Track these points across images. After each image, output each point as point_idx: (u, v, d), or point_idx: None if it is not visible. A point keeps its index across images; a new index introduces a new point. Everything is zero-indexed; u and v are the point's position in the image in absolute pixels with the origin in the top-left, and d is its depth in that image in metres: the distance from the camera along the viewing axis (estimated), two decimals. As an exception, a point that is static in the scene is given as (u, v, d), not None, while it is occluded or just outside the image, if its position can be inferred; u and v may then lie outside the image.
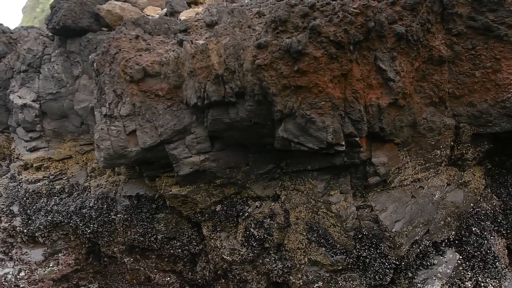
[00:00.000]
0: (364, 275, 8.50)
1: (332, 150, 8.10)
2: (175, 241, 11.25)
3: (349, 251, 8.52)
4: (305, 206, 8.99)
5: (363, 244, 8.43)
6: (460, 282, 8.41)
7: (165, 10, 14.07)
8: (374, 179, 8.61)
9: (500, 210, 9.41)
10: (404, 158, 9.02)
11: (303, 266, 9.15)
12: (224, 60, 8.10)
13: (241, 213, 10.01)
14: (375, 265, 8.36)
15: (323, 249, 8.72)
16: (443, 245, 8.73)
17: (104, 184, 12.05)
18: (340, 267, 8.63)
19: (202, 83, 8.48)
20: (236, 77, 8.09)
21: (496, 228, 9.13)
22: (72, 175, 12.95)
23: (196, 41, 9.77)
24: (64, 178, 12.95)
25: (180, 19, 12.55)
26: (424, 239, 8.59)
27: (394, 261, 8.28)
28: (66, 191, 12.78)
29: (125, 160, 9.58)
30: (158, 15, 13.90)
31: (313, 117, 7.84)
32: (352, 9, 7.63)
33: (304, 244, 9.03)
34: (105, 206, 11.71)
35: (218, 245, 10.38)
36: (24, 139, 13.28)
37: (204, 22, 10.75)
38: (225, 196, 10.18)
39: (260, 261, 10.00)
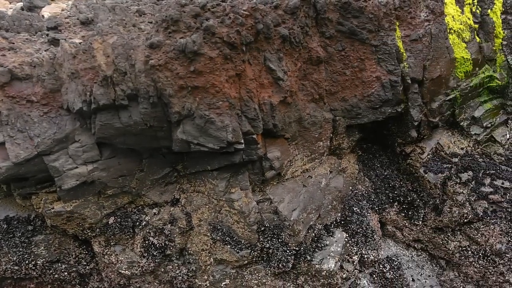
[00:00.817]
0: (268, 265, 8.91)
1: (232, 149, 8.26)
2: (60, 264, 10.01)
3: (253, 244, 8.82)
4: (207, 206, 8.98)
5: (265, 236, 8.82)
6: (348, 257, 9.48)
7: (20, 4, 12.31)
8: (270, 173, 9.07)
9: (372, 190, 10.89)
10: (294, 151, 9.72)
11: (208, 267, 9.13)
12: (112, 61, 7.52)
13: (137, 223, 9.46)
14: (278, 254, 8.84)
15: (228, 246, 8.85)
16: (332, 226, 9.71)
17: (-42, 210, 9.98)
18: (246, 261, 8.88)
19: (87, 85, 7.73)
20: (127, 78, 7.60)
21: (370, 206, 10.53)
22: None
23: (72, 40, 8.87)
24: None
25: (43, 15, 11.16)
26: (317, 223, 9.41)
27: (294, 248, 8.89)
28: None
29: (-8, 179, 8.14)
30: (12, 10, 12.10)
31: (212, 117, 7.88)
32: (242, 11, 7.88)
33: (209, 244, 9.02)
34: (-39, 237, 9.73)
35: (114, 260, 9.62)
36: None
37: (78, 19, 9.78)
38: (118, 207, 9.47)
39: (162, 269, 9.62)
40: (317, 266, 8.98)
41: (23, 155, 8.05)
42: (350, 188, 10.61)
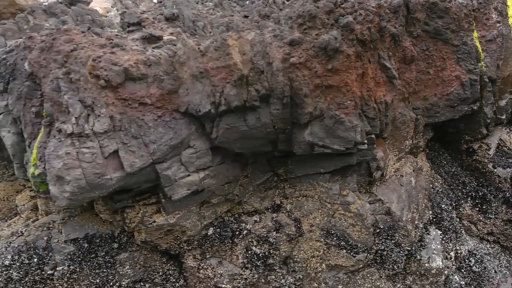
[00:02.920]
0: (382, 268, 8.75)
1: (355, 150, 8.03)
2: (143, 283, 9.10)
3: (369, 247, 8.62)
4: (320, 211, 8.63)
5: (380, 238, 8.66)
6: (447, 254, 9.59)
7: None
8: (378, 173, 8.94)
9: (447, 187, 11.13)
10: (388, 151, 9.67)
11: (319, 274, 8.77)
12: (250, 59, 6.98)
13: (237, 232, 8.87)
14: (392, 255, 8.72)
15: (344, 251, 8.57)
16: (428, 224, 9.78)
17: (25, 230, 8.70)
18: (361, 265, 8.66)
19: (218, 86, 7.10)
20: (263, 77, 7.10)
21: (449, 202, 10.76)
22: (-45, 227, 8.88)
23: (169, 37, 8.17)
24: None
25: (92, 9, 10.15)
26: (419, 222, 9.42)
27: (407, 248, 8.81)
28: (-51, 252, 8.68)
29: (100, 192, 7.19)
30: (47, 3, 10.86)
31: (342, 117, 7.61)
32: (371, 8, 7.70)
33: (322, 250, 8.67)
34: (34, 261, 8.49)
35: (210, 274, 8.93)
36: None
37: (162, 15, 8.99)
38: (216, 217, 8.83)
39: (263, 280, 9.10)
40: (426, 264, 8.99)
41: (138, 164, 7.21)
42: (430, 185, 10.76)
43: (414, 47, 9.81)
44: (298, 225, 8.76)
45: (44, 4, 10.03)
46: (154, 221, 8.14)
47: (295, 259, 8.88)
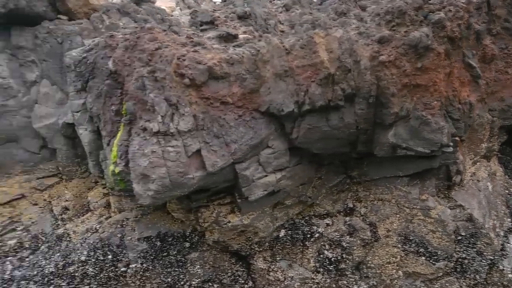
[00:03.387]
0: (462, 277, 8.32)
1: (440, 152, 7.66)
2: (211, 283, 9.03)
3: (450, 255, 8.21)
4: (397, 216, 8.30)
5: (461, 245, 8.25)
6: (529, 264, 9.02)
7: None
8: (457, 177, 8.53)
9: (523, 193, 10.51)
10: (464, 154, 9.21)
11: (395, 281, 8.43)
12: (338, 57, 6.76)
13: (308, 235, 8.66)
14: (474, 264, 8.28)
15: (423, 258, 8.20)
16: (508, 232, 9.25)
17: (100, 227, 8.82)
18: (441, 273, 8.26)
19: (303, 84, 6.92)
20: (350, 76, 6.86)
21: (527, 209, 10.14)
22: (32, 222, 9.10)
23: (246, 36, 8.05)
24: (18, 229, 9.00)
25: (161, 8, 10.19)
26: (500, 230, 8.92)
27: (489, 257, 8.35)
28: (27, 246, 8.91)
29: (181, 191, 7.15)
30: (120, 2, 11.00)
31: (429, 118, 7.26)
32: (461, 3, 7.33)
33: (399, 257, 8.33)
34: (109, 257, 8.58)
35: (280, 277, 8.75)
36: None
37: (234, 13, 8.91)
38: (288, 219, 8.66)
39: (334, 285, 8.84)
40: (510, 275, 8.48)
41: (220, 164, 7.12)
42: (506, 192, 10.19)
43: (493, 45, 9.32)
44: (374, 230, 8.46)
45: (116, 3, 10.15)
46: (229, 221, 8.05)
47: (369, 264, 8.58)
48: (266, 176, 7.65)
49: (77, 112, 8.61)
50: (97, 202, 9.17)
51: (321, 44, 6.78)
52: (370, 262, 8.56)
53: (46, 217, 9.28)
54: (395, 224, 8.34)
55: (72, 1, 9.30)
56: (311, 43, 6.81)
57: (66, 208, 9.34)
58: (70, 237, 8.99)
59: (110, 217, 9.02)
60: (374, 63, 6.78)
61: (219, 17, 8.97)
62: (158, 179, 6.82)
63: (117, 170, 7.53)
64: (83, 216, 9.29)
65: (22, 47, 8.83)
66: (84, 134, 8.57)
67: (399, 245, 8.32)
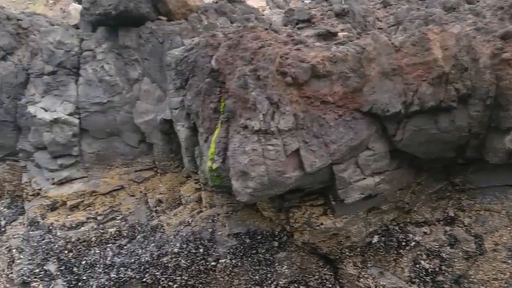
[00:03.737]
0: None
1: None
2: (297, 285, 8.91)
3: None
4: (508, 229, 7.59)
5: None
6: None
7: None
8: None
9: None
10: None
11: (502, 299, 7.72)
12: (454, 54, 6.29)
13: (403, 243, 8.22)
14: None
15: (537, 277, 7.42)
16: None
17: (192, 221, 9.12)
18: (559, 296, 7.41)
19: (413, 84, 6.55)
20: (466, 75, 6.35)
21: None
22: (130, 212, 9.66)
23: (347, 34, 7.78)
24: (118, 218, 9.59)
25: (255, 7, 10.24)
26: None
27: None
28: (125, 234, 9.47)
29: (278, 190, 7.11)
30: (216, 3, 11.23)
31: (555, 123, 6.50)
32: None
33: (508, 273, 7.61)
34: (200, 251, 8.84)
35: (371, 284, 8.41)
36: (48, 168, 9.52)
37: (331, 11, 8.71)
38: (382, 224, 8.28)
39: (429, 298, 8.30)
40: None
41: (318, 164, 6.97)
42: None
43: None
44: (479, 242, 7.81)
45: (212, 3, 10.38)
46: (321, 224, 7.88)
47: (471, 279, 7.94)
48: (364, 179, 7.38)
49: (175, 109, 8.96)
50: (189, 196, 9.47)
51: (435, 40, 6.36)
52: (472, 276, 7.92)
53: (141, 208, 9.78)
54: (505, 238, 7.63)
55: (172, 3, 9.69)
56: (424, 39, 6.41)
57: (160, 201, 9.77)
58: (163, 229, 9.40)
59: (201, 211, 9.28)
60: (495, 61, 6.23)
61: (315, 15, 8.83)
62: (257, 177, 6.84)
63: (214, 166, 7.68)
64: (175, 209, 9.66)
65: (128, 47, 9.38)
66: (181, 130, 8.88)
67: (509, 261, 7.60)
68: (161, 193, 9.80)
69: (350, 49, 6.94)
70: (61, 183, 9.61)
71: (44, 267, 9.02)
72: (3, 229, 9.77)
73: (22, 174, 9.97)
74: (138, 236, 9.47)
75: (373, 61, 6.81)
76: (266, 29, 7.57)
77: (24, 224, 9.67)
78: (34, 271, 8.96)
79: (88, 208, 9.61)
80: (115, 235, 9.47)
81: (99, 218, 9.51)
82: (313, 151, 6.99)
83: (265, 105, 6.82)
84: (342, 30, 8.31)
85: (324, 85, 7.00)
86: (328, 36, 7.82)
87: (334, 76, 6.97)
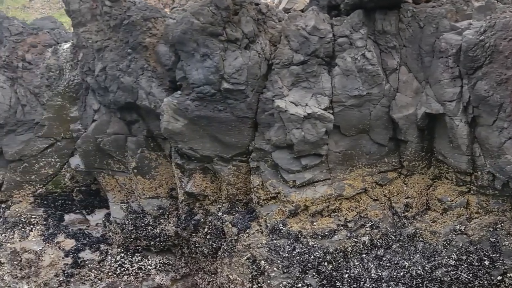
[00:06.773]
0: None
1: None
2: None
3: None
4: None
5: None
6: None
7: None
8: None
9: None
10: None
11: None
12: None
13: None
14: None
15: None
16: None
17: (465, 229, 8.05)
18: None
19: None
20: None
21: None
22: (379, 219, 8.61)
23: None
24: (367, 225, 8.55)
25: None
26: None
27: None
28: (378, 244, 8.43)
29: None
30: None
31: None
32: None
33: None
34: (485, 263, 7.81)
35: None
36: (288, 169, 8.45)
37: None
38: None
39: None
40: None
41: None
42: None
43: None
44: None
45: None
46: None
47: None
48: None
49: (450, 101, 7.90)
50: (452, 201, 8.40)
51: None
52: None
53: (388, 214, 8.74)
54: None
55: (423, -18, 8.55)
56: None
57: (409, 205, 8.71)
58: (423, 237, 8.36)
59: (473, 218, 8.21)
60: None
61: None
62: None
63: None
64: (426, 215, 8.62)
65: (386, 32, 8.27)
66: (461, 125, 7.82)
67: None
68: (408, 197, 8.74)
69: None
70: (301, 185, 8.56)
71: (305, 280, 8.01)
72: (235, 237, 8.73)
73: (251, 176, 8.90)
74: (394, 246, 8.45)
75: None
76: None
77: (261, 232, 8.64)
78: (296, 285, 7.95)
79: (333, 214, 8.57)
80: (368, 245, 8.44)
81: (349, 225, 8.47)
82: None
83: None
84: None
85: None
86: None
87: None
